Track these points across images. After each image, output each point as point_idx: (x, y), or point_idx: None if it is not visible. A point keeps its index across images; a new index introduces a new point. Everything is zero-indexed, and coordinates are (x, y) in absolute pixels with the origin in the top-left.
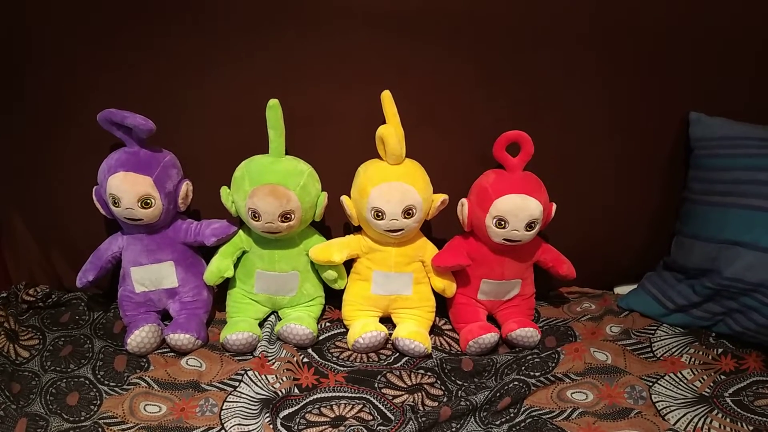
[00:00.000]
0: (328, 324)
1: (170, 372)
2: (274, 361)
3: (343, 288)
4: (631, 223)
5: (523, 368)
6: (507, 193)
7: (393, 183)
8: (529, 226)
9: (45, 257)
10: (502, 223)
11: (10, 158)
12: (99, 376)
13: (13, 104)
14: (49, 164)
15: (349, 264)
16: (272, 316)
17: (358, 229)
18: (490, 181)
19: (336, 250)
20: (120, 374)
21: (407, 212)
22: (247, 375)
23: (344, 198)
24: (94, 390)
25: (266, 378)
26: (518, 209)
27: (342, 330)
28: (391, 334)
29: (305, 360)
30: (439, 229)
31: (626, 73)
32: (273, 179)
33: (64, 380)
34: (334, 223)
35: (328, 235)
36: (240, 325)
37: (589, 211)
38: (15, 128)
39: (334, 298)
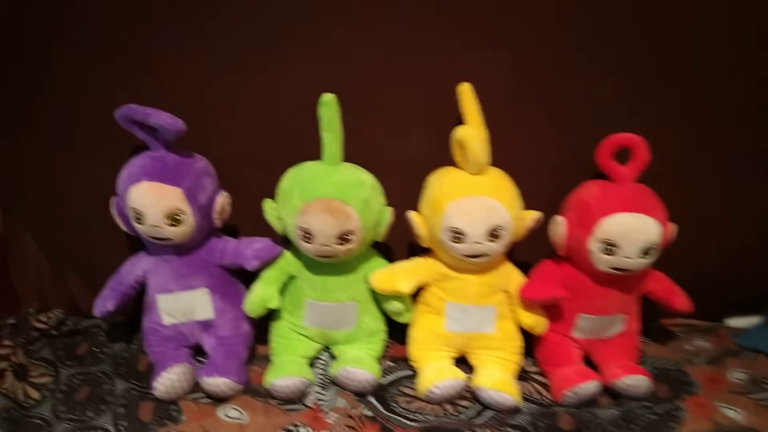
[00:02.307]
0: (390, 363)
1: (206, 427)
2: (329, 412)
3: (408, 321)
4: (750, 242)
5: (634, 426)
6: (617, 212)
7: (475, 198)
8: (645, 252)
9: (58, 278)
10: (611, 248)
11: (18, 166)
12: (121, 428)
13: (19, 105)
14: (62, 172)
15: (414, 291)
16: (325, 352)
17: (425, 250)
18: (594, 196)
19: (403, 277)
20: (145, 426)
21: (493, 233)
22: None
23: (412, 214)
24: None
25: None
26: (632, 232)
27: (408, 372)
28: (470, 378)
29: (367, 413)
30: (521, 249)
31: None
32: (329, 192)
33: None
34: (396, 241)
35: (390, 258)
36: (288, 368)
37: (696, 228)
38: (24, 133)
39: (395, 330)
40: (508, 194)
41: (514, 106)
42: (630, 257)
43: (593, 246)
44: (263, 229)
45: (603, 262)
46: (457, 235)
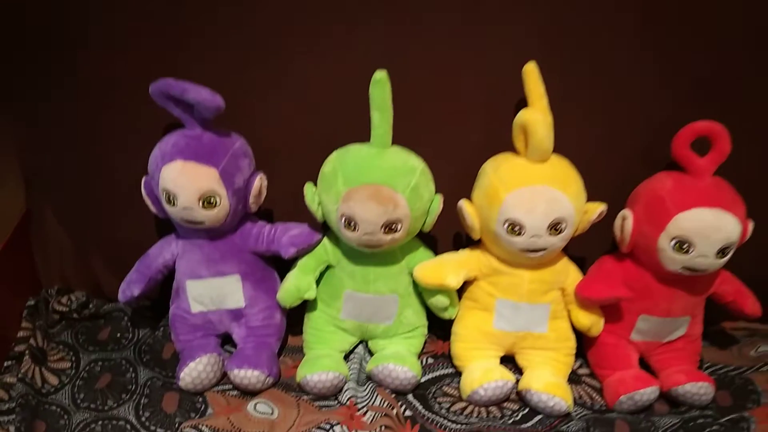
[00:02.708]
0: (430, 360)
1: (234, 421)
2: (365, 410)
3: (453, 317)
4: None
5: None
6: (694, 206)
7: (537, 187)
8: (722, 252)
9: (81, 259)
10: (685, 246)
11: (41, 140)
12: (143, 419)
13: (45, 79)
14: (89, 148)
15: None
16: (360, 346)
17: (473, 242)
18: (668, 189)
19: (451, 270)
20: (170, 418)
21: (554, 227)
22: (334, 430)
23: (465, 203)
24: None
25: None
26: (710, 229)
27: (449, 370)
28: (518, 381)
29: (407, 413)
30: (576, 244)
31: None
32: (376, 178)
33: (100, 422)
34: (441, 231)
35: (434, 249)
36: (323, 362)
37: (760, 226)
38: (49, 106)
39: (434, 324)
40: (573, 185)
41: (577, 90)
42: (705, 256)
43: (664, 243)
44: (297, 213)
45: (674, 261)
46: (515, 228)
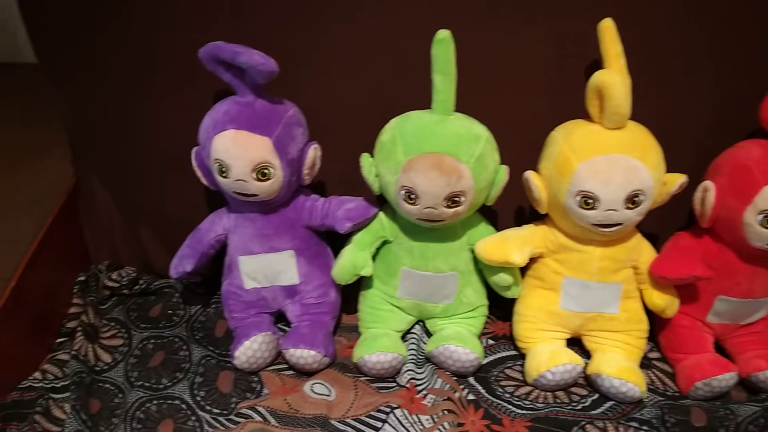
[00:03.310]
0: (491, 342)
1: (291, 402)
2: (425, 393)
3: (516, 296)
4: None
5: None
6: None
7: (613, 156)
8: None
9: (131, 233)
10: None
11: (88, 110)
12: (198, 399)
13: (90, 50)
14: (136, 117)
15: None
16: (417, 326)
17: (537, 217)
18: (755, 158)
19: (516, 246)
20: (226, 398)
21: (632, 200)
22: (394, 414)
23: (531, 174)
24: (194, 418)
25: (420, 421)
26: None
27: (511, 352)
28: (586, 365)
29: (470, 396)
30: (646, 217)
31: None
32: (439, 147)
33: (155, 401)
34: (502, 205)
35: (494, 223)
36: (381, 342)
37: None
38: (98, 75)
39: (494, 304)
40: (653, 153)
41: (650, 52)
42: None
43: (750, 217)
44: (349, 186)
45: (761, 236)
46: (589, 201)
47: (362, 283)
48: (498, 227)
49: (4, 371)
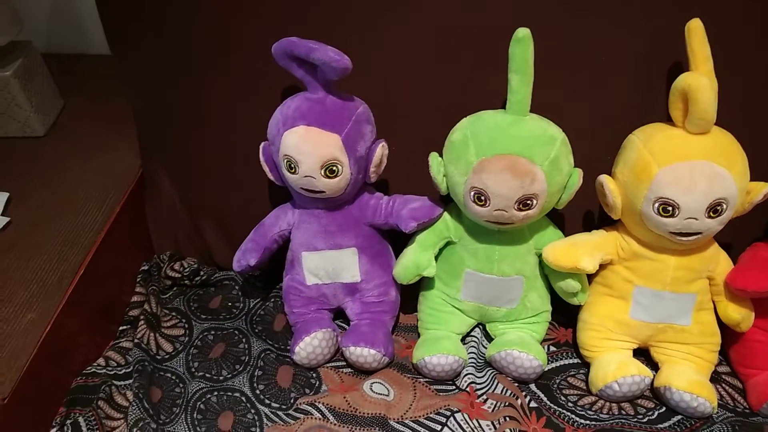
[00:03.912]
0: (553, 349)
1: (350, 400)
2: (485, 398)
3: (582, 303)
4: None
5: None
6: None
7: (697, 163)
8: None
9: (194, 225)
10: None
11: (156, 100)
12: (258, 392)
13: (159, 39)
14: (204, 110)
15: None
16: (477, 329)
17: (607, 222)
18: None
19: (585, 252)
20: (285, 393)
21: (714, 209)
22: (454, 418)
23: (605, 179)
24: (253, 411)
25: (480, 426)
26: None
27: (574, 360)
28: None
29: (532, 404)
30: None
31: None
32: (513, 148)
33: (216, 393)
34: (570, 208)
35: (562, 227)
36: (443, 345)
37: None
38: (168, 66)
39: (555, 310)
40: (739, 161)
41: (730, 57)
42: None
43: None
44: (412, 185)
45: None
46: (668, 208)
47: (422, 283)
48: (565, 232)
49: (70, 357)
